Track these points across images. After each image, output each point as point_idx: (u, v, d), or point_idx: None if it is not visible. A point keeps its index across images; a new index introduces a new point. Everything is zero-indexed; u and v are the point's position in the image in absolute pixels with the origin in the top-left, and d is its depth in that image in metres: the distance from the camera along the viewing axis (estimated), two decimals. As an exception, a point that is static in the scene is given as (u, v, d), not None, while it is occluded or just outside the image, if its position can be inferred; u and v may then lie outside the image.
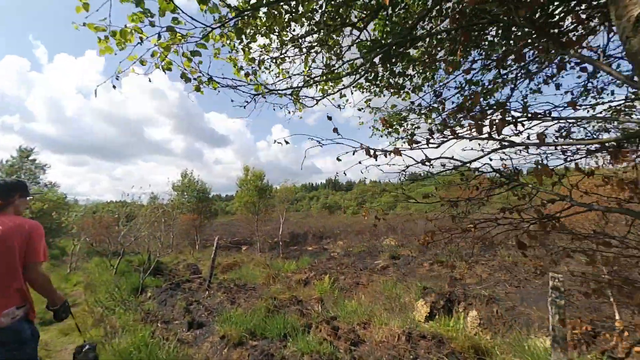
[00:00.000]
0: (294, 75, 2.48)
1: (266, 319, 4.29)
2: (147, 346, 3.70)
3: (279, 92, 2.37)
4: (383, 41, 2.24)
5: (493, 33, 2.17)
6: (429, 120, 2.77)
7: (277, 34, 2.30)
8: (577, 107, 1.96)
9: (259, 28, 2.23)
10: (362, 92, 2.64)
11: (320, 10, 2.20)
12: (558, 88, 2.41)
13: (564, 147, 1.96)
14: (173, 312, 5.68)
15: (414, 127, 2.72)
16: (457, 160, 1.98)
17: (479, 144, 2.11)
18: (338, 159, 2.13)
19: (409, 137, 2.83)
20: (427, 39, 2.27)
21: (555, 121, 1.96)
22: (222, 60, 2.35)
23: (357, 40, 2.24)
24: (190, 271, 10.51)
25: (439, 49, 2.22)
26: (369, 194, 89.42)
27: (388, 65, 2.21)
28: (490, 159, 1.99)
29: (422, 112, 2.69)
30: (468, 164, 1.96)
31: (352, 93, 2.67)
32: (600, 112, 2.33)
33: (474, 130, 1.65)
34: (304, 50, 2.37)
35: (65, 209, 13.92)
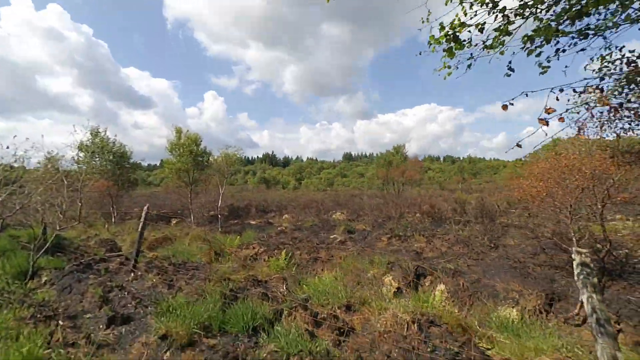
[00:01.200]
0: None
1: (224, 308, 3.35)
2: (39, 362, 2.45)
3: None
4: None
5: None
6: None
7: None
8: None
9: None
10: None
11: None
12: None
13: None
14: (83, 303, 4.24)
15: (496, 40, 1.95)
16: None
17: None
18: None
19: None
20: None
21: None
22: None
23: None
24: (106, 248, 8.55)
25: None
26: (307, 170, 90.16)
27: None
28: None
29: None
30: None
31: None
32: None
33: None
34: None
35: None
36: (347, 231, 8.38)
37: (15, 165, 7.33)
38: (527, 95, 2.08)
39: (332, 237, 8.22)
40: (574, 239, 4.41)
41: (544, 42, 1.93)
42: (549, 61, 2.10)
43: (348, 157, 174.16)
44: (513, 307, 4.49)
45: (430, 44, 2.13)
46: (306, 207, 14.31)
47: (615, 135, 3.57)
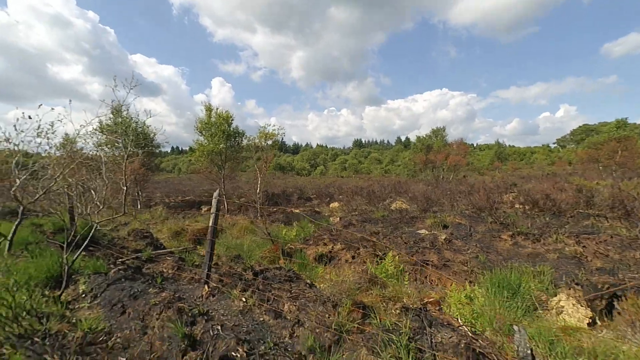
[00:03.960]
0: None
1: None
2: None
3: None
4: None
5: None
6: None
7: None
8: None
9: None
10: None
11: None
12: None
13: None
14: (150, 338, 2.73)
15: None
16: None
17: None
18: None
19: None
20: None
21: None
22: None
23: None
24: (145, 242, 7.12)
25: None
26: (321, 156, 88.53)
27: None
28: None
29: None
30: None
31: None
32: None
33: None
34: None
35: None
36: (441, 225, 6.75)
37: (31, 152, 5.88)
38: None
39: (421, 232, 6.59)
40: None
41: None
42: None
43: (358, 143, 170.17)
44: None
45: None
46: (356, 193, 12.70)
47: None
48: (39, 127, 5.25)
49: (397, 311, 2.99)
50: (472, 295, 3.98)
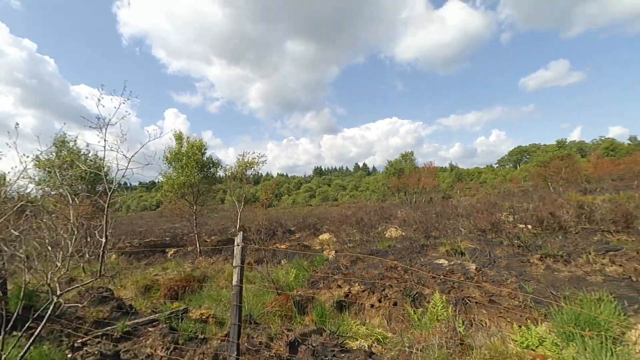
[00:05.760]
0: None
1: None
2: None
3: None
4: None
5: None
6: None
7: None
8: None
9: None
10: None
11: None
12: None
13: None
14: None
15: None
16: None
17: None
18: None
19: None
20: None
21: None
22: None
23: None
24: (109, 306, 5.49)
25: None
26: (285, 185, 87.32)
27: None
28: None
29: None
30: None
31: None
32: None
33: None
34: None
35: None
36: (458, 252, 6.26)
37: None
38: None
39: (441, 262, 6.02)
40: None
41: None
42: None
43: (319, 171, 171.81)
44: None
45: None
46: (341, 222, 11.97)
47: None
48: (-39, 161, 3.86)
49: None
50: (540, 338, 3.41)
